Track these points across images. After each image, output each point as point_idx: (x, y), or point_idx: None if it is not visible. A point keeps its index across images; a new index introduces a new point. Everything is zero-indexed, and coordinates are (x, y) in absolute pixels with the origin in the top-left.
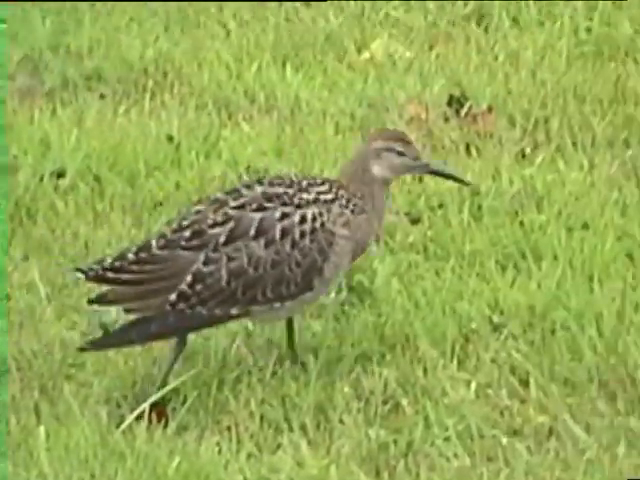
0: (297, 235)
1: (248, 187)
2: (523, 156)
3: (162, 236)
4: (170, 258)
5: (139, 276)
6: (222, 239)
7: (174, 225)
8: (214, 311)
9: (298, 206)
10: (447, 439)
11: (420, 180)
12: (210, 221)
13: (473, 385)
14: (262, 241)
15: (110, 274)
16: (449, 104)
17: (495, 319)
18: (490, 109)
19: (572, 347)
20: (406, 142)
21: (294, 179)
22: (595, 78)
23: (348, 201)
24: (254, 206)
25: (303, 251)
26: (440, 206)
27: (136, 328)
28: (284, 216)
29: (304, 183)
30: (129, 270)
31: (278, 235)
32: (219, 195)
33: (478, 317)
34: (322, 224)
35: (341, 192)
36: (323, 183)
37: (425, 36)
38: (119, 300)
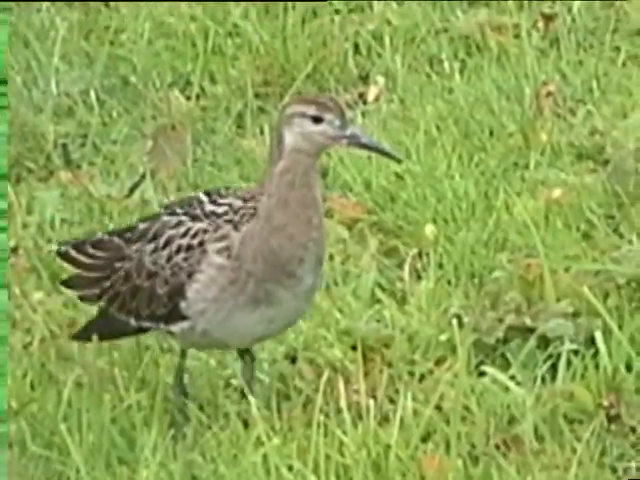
0: (174, 248)
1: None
2: None
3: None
4: (113, 248)
5: (90, 261)
6: (134, 236)
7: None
8: (119, 316)
9: (194, 218)
10: None
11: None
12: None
13: None
14: (151, 246)
15: (73, 253)
16: None
17: None
18: None
19: None
20: (324, 106)
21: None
22: None
23: (237, 211)
24: (175, 208)
25: (173, 268)
26: None
27: (94, 325)
28: (177, 225)
29: (229, 193)
30: (86, 252)
31: (162, 243)
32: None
33: None
34: (201, 242)
35: (237, 203)
36: (240, 196)
37: None
38: (75, 286)
